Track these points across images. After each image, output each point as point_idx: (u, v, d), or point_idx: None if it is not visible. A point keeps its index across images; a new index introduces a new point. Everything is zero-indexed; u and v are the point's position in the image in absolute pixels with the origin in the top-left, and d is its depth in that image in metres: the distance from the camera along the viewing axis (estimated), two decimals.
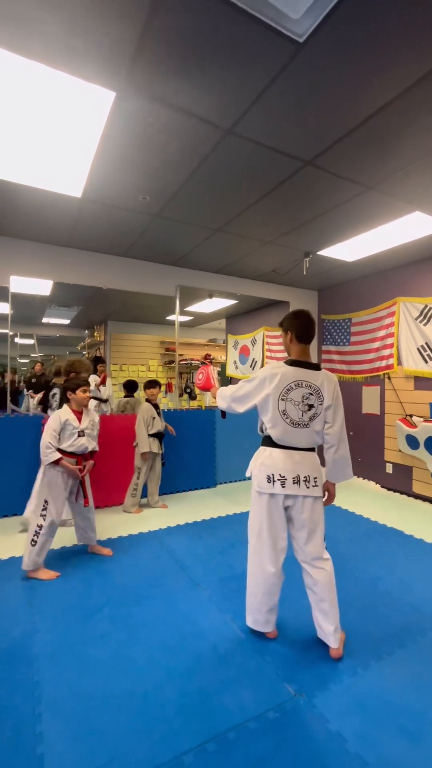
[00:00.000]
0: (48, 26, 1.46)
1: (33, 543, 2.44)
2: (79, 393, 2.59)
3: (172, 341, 4.88)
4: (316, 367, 1.86)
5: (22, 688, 1.59)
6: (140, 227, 3.35)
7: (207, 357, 7.31)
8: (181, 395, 6.87)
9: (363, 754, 1.34)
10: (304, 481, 1.79)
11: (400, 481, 4.46)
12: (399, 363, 4.40)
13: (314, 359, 1.90)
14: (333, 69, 1.66)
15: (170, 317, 4.70)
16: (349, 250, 3.86)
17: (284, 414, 1.80)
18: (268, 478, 1.80)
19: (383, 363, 4.57)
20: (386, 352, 4.54)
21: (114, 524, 3.37)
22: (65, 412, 2.57)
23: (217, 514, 3.66)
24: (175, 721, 1.45)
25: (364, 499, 4.17)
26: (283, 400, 1.79)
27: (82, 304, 5.38)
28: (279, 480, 1.79)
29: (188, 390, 6.95)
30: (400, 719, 1.48)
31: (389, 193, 2.70)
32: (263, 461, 1.85)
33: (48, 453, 2.44)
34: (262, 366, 5.90)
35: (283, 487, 1.78)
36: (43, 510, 2.47)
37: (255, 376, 1.88)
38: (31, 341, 6.04)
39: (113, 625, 2.01)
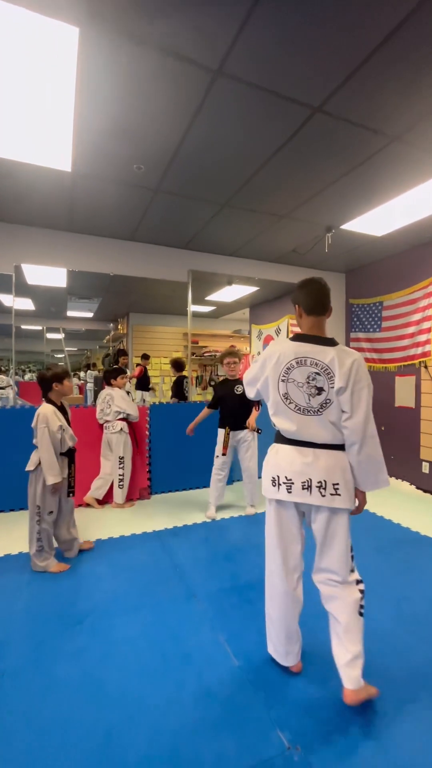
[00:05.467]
0: None
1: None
2: None
3: (195, 333, 4.69)
4: (329, 342, 1.52)
5: None
6: (142, 205, 3.10)
7: (231, 348, 7.04)
8: (205, 388, 6.66)
9: None
10: (318, 487, 1.45)
11: None
12: None
13: None
14: None
15: (192, 308, 4.45)
16: (376, 221, 3.42)
17: (286, 398, 1.51)
18: (273, 481, 1.52)
19: (419, 350, 4.08)
20: (422, 337, 4.05)
21: (118, 522, 3.18)
22: None
23: (229, 515, 3.39)
24: None
25: (395, 501, 3.73)
26: (283, 381, 1.50)
27: (101, 296, 5.27)
28: (285, 483, 1.49)
29: (213, 383, 6.71)
30: None
31: (417, 144, 2.28)
32: (268, 459, 1.59)
33: None
34: None
35: (289, 492, 1.48)
36: None
37: (259, 356, 1.63)
38: (58, 336, 6.04)
39: (92, 640, 1.79)
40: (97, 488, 3.51)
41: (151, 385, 5.72)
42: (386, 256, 4.47)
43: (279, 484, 1.51)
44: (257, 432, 3.34)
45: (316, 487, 1.45)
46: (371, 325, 4.71)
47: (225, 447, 3.35)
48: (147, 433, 3.87)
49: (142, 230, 3.66)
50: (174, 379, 5.04)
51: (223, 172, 2.60)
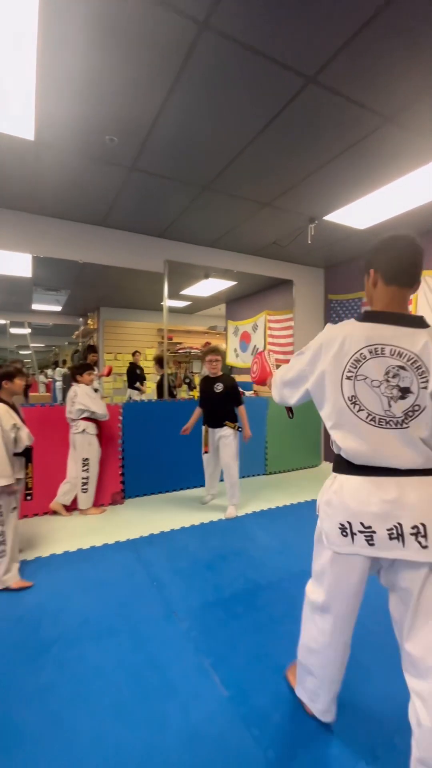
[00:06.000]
0: None
1: None
2: None
3: (169, 329, 4.49)
4: (417, 322, 1.07)
5: None
6: (114, 186, 2.85)
7: (206, 345, 6.86)
8: (180, 386, 6.44)
9: None
10: (414, 534, 1.01)
11: None
12: None
13: None
14: None
15: (167, 302, 4.22)
16: (360, 213, 3.33)
17: (354, 403, 1.07)
18: (342, 529, 1.08)
19: None
20: None
21: (87, 530, 2.92)
22: None
23: (208, 519, 3.20)
24: None
25: None
26: (349, 378, 1.07)
27: (70, 287, 4.96)
28: (363, 533, 1.05)
29: (187, 380, 6.51)
30: None
31: (409, 127, 2.17)
32: (329, 498, 1.13)
33: None
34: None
35: (371, 545, 1.05)
36: None
37: (309, 344, 1.21)
38: (23, 331, 5.65)
39: (60, 674, 1.56)
40: (64, 493, 3.23)
41: (137, 384, 5.42)
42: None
43: (352, 534, 1.06)
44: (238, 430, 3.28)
45: (411, 534, 1.01)
46: None
47: (206, 444, 3.32)
48: (120, 433, 3.61)
49: (115, 215, 3.39)
50: (159, 377, 4.78)
51: (206, 148, 2.39)
